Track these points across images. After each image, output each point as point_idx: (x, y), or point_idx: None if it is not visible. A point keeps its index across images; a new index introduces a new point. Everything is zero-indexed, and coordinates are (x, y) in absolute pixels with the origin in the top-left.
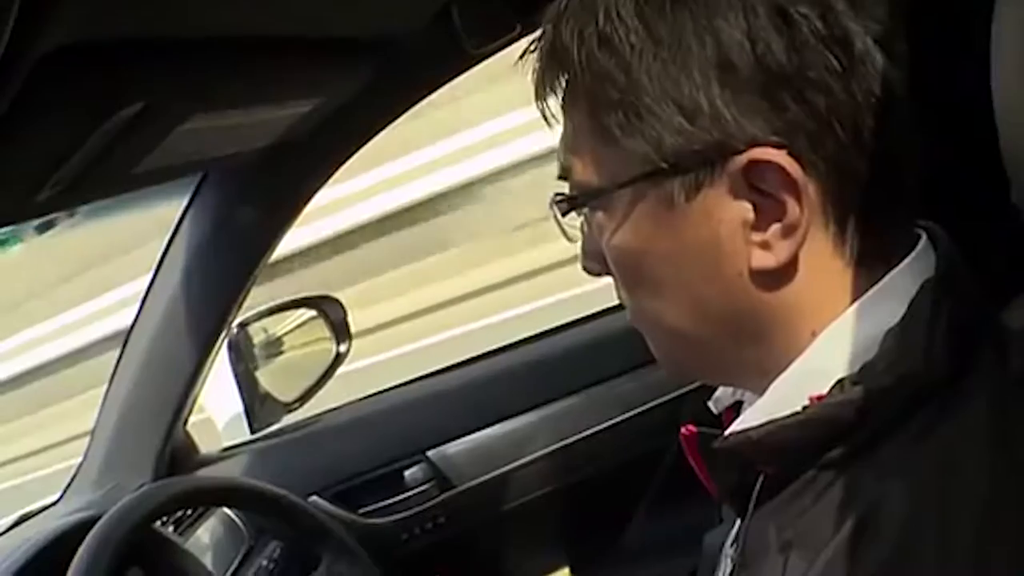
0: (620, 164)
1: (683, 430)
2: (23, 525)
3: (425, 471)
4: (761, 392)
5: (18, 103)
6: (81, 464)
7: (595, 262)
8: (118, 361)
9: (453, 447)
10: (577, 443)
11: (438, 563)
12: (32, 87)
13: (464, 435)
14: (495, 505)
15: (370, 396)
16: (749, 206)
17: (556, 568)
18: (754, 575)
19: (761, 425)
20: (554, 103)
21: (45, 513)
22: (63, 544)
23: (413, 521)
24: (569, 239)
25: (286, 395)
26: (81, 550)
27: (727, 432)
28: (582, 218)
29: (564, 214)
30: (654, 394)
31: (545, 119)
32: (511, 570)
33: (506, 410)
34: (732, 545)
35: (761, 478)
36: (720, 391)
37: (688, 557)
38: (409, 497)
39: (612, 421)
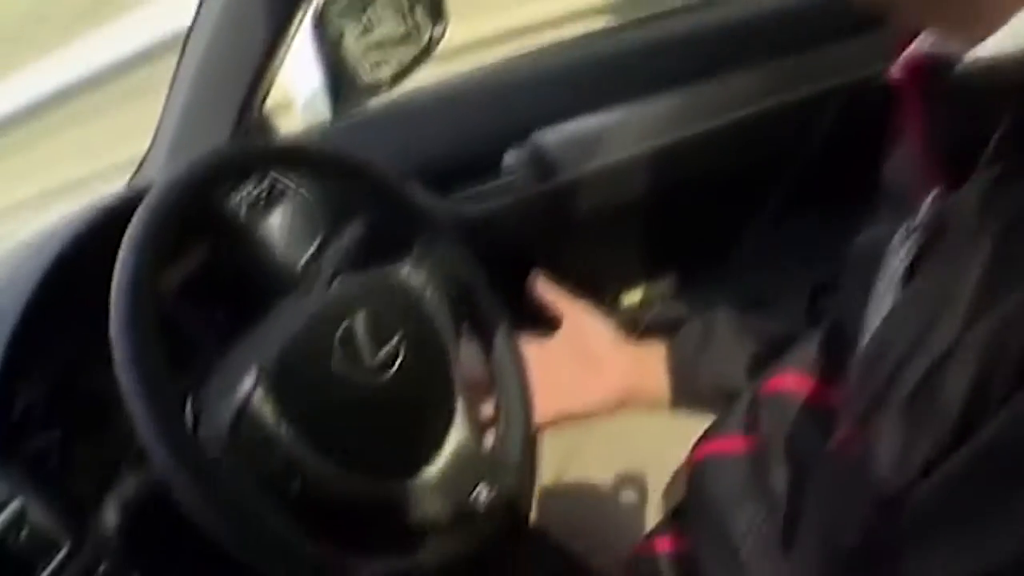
0: None
1: (903, 61)
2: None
3: (524, 157)
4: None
5: None
6: (147, 154)
7: None
8: (188, 35)
9: (556, 132)
10: (696, 137)
11: (535, 258)
12: None
13: (570, 119)
14: (598, 200)
15: (467, 74)
16: None
17: (660, 275)
18: (948, 258)
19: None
20: None
21: None
22: (122, 212)
23: (507, 211)
24: None
25: (374, 76)
26: (137, 214)
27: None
28: None
29: None
30: (789, 87)
31: None
32: (612, 273)
33: (620, 94)
34: (913, 232)
35: (996, 135)
36: (916, 45)
37: (809, 270)
38: (505, 184)
39: (739, 113)
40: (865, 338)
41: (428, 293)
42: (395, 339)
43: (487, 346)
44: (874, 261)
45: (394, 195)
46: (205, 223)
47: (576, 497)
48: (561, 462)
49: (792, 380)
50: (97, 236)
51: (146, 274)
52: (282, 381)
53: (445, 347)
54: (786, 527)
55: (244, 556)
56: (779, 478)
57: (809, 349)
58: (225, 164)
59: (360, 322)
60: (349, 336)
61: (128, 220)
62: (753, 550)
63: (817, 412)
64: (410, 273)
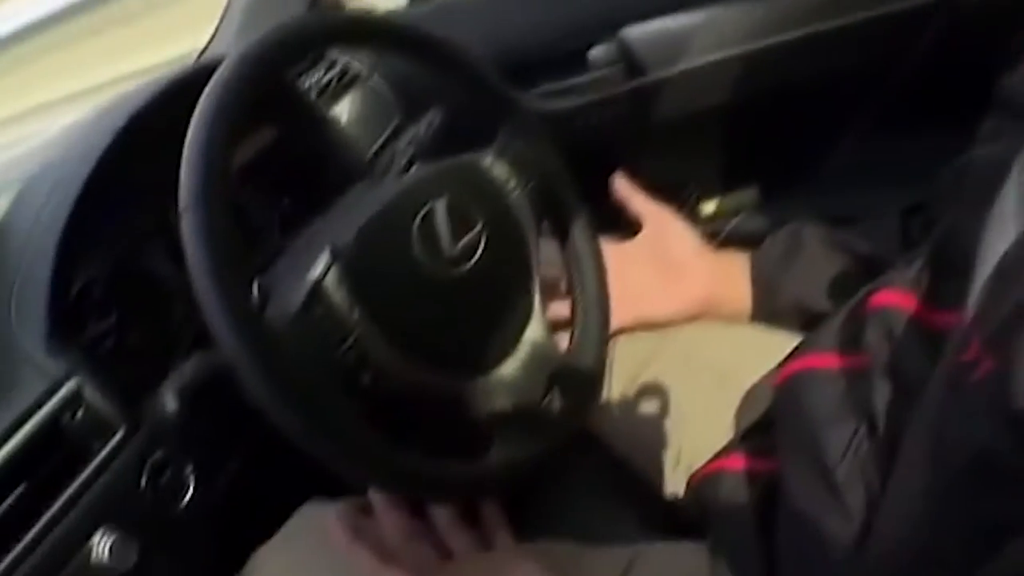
0: None
1: None
2: None
3: (612, 52)
4: None
5: None
6: (215, 32)
7: None
8: None
9: (649, 28)
10: (788, 43)
11: (615, 159)
12: None
13: (664, 14)
14: (684, 102)
15: None
16: None
17: (741, 185)
18: None
19: None
20: None
21: None
22: (190, 85)
23: (592, 108)
24: None
25: None
26: (209, 85)
27: None
28: None
29: None
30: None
31: None
32: (692, 180)
33: None
34: None
35: None
36: None
37: (900, 189)
38: (591, 81)
39: (836, 22)
40: (987, 260)
41: (511, 185)
42: (475, 230)
43: (566, 245)
44: (994, 179)
45: (477, 80)
46: (275, 104)
47: (645, 408)
48: (633, 370)
49: (897, 297)
50: (164, 109)
51: (219, 145)
52: (356, 265)
53: (526, 242)
54: (887, 446)
55: (305, 445)
56: (881, 395)
57: (910, 270)
58: (301, 36)
59: (440, 210)
60: (428, 223)
61: (197, 94)
62: (849, 472)
63: (924, 332)
64: (493, 163)
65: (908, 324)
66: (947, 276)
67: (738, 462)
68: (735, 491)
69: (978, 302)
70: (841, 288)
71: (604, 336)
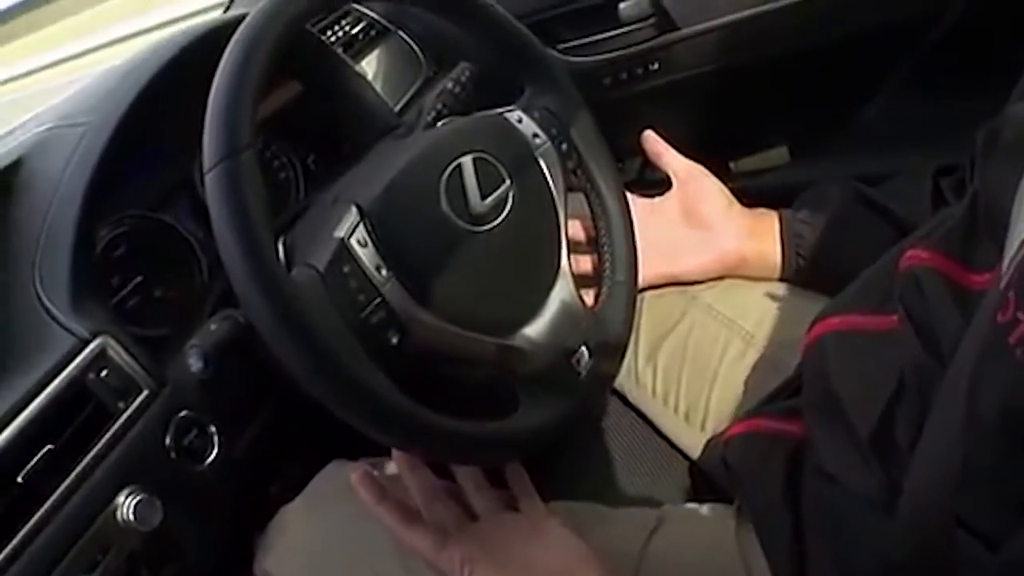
0: None
1: None
2: None
3: (644, 6)
4: None
5: None
6: None
7: None
8: None
9: None
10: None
11: (645, 115)
12: None
13: None
14: (719, 57)
15: None
16: None
17: (772, 143)
18: None
19: None
20: None
21: None
22: (216, 40)
23: (621, 63)
24: None
25: None
26: (234, 38)
27: None
28: None
29: None
30: None
31: None
32: (722, 137)
33: None
34: None
35: None
36: None
37: (935, 148)
38: (621, 35)
39: None
40: (1022, 220)
41: (539, 141)
42: (504, 186)
43: (595, 201)
44: None
45: (506, 35)
46: (300, 57)
47: (671, 367)
48: (660, 329)
49: (929, 257)
50: (192, 61)
51: (244, 99)
52: (383, 222)
53: (554, 199)
54: (917, 406)
55: (329, 405)
56: (911, 356)
57: (942, 230)
58: None
59: (468, 165)
60: (456, 179)
61: (223, 47)
62: (878, 433)
63: (957, 292)
64: (521, 119)
65: (940, 284)
66: (982, 237)
67: (765, 424)
68: (762, 454)
69: (1015, 262)
70: (870, 248)
71: (632, 295)
